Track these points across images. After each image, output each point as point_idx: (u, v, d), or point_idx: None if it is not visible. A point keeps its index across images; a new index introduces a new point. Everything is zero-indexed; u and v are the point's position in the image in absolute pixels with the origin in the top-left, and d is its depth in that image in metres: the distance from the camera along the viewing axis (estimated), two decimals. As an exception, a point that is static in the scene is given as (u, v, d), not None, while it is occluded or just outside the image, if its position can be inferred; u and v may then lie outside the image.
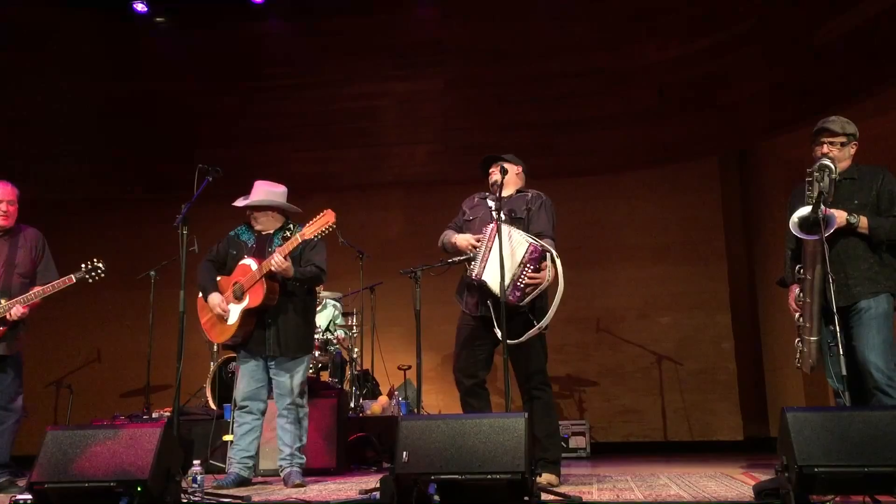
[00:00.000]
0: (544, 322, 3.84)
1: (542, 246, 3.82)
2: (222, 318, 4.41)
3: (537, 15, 8.17)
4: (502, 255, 3.63)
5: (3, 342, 4.44)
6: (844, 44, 6.56)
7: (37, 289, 4.53)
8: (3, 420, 4.48)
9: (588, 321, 7.98)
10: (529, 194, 4.18)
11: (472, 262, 3.96)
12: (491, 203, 4.03)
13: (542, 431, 3.94)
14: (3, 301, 4.46)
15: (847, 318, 3.66)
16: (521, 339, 3.79)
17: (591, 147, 8.17)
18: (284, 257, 4.23)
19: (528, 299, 3.82)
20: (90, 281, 4.57)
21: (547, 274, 3.83)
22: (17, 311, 4.44)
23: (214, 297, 4.42)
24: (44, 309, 4.61)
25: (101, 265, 4.57)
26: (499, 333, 3.69)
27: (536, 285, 3.82)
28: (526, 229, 3.98)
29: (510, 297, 3.73)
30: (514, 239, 3.82)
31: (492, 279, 3.79)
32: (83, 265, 4.56)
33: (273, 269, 4.23)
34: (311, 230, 4.27)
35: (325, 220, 4.25)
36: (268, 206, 4.55)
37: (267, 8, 8.42)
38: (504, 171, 4.03)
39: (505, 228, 3.78)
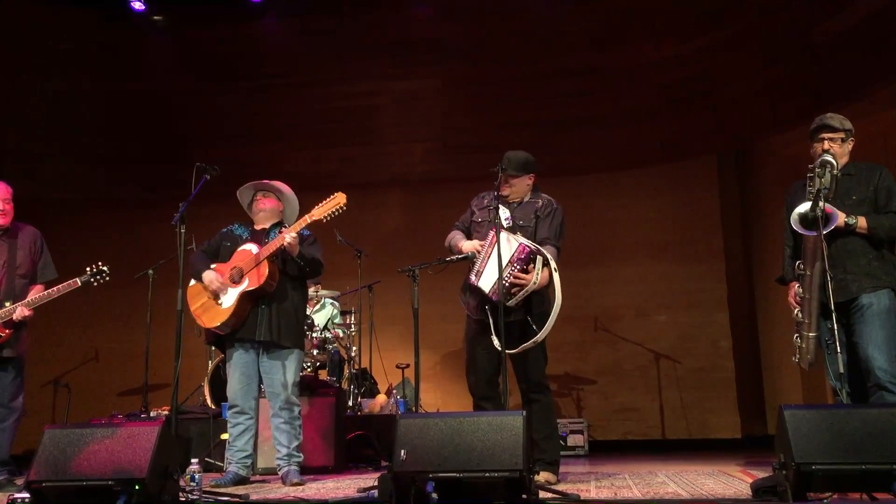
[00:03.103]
0: (541, 336, 3.80)
1: (533, 248, 3.78)
2: (216, 300, 4.31)
3: (535, 13, 8.17)
4: (501, 262, 3.64)
5: (8, 346, 4.44)
6: (841, 42, 6.56)
7: (40, 293, 4.52)
8: (3, 418, 4.48)
9: (586, 319, 7.97)
10: (540, 202, 4.11)
11: (473, 264, 3.96)
12: (501, 209, 3.97)
13: (539, 434, 3.94)
14: (7, 304, 4.46)
15: (847, 314, 3.65)
16: (516, 351, 3.81)
17: (588, 146, 8.17)
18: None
19: (513, 300, 3.79)
20: (95, 285, 4.55)
21: (535, 277, 3.76)
22: (20, 313, 4.43)
23: (209, 274, 4.33)
24: (41, 308, 4.60)
25: (105, 269, 4.54)
26: (495, 342, 3.74)
27: (522, 286, 3.77)
28: (532, 237, 3.96)
29: (495, 296, 3.74)
30: (511, 244, 3.79)
31: (486, 285, 3.81)
32: (88, 268, 4.53)
33: (286, 241, 4.12)
34: (320, 211, 4.22)
35: (336, 202, 4.20)
36: (277, 189, 4.53)
37: (264, 7, 8.41)
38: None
39: (504, 235, 3.76)
